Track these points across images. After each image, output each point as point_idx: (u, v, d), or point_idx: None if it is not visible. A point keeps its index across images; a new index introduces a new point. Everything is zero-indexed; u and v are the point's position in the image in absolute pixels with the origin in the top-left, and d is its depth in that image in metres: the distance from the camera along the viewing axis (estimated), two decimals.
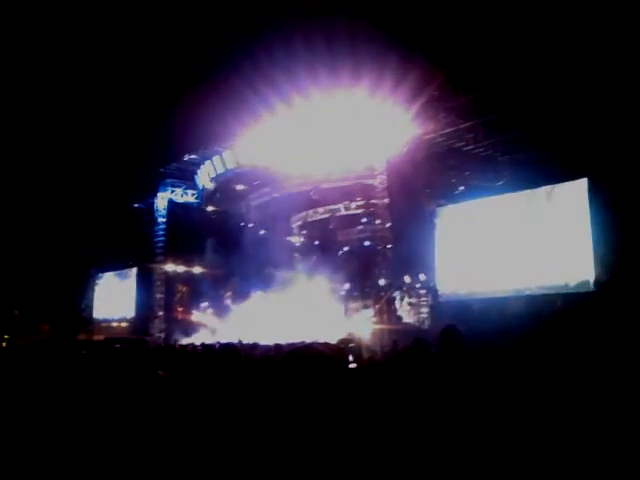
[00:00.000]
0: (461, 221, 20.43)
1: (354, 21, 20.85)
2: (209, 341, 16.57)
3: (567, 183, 17.59)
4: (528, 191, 18.60)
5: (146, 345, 4.88)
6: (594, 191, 16.71)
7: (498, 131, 20.31)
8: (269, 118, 22.43)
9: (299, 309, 23.42)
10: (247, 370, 5.87)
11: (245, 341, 14.10)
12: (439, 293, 20.43)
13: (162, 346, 18.09)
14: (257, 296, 26.86)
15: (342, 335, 20.04)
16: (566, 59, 16.72)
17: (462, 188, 22.16)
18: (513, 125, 19.30)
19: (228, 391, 4.38)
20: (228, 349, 5.41)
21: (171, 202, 29.21)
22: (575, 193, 17.28)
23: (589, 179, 16.93)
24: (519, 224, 18.45)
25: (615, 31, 16.01)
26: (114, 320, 32.02)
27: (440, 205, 21.38)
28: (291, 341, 15.05)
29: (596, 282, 16.27)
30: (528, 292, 17.75)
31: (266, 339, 15.15)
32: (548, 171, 17.65)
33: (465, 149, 21.67)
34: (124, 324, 30.97)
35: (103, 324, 32.43)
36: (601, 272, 16.20)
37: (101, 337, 27.13)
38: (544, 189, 18.16)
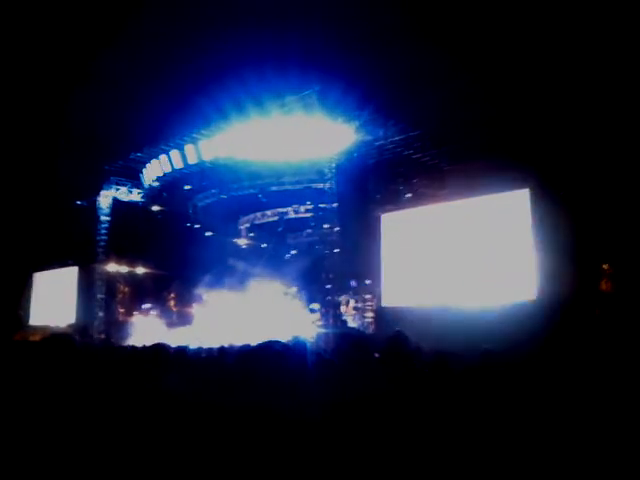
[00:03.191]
0: (406, 228, 20.68)
1: (304, 25, 20.93)
2: (150, 343, 16.19)
3: (509, 193, 17.97)
4: (472, 200, 18.93)
5: (72, 343, 4.71)
6: (536, 202, 17.13)
7: (445, 141, 20.74)
8: (218, 119, 22.25)
9: (245, 312, 23.21)
10: (180, 372, 5.73)
11: (192, 344, 13.85)
12: (384, 298, 20.59)
13: (94, 346, 17.60)
14: (205, 298, 26.50)
15: (287, 338, 20.01)
16: (511, 74, 17.20)
17: (409, 195, 22.46)
18: (459, 135, 19.73)
19: (155, 393, 4.26)
20: (156, 350, 5.26)
21: (115, 200, 28.47)
22: (518, 203, 17.68)
23: (531, 189, 17.34)
24: (463, 233, 18.78)
25: (562, 55, 16.57)
26: (53, 321, 30.96)
27: (387, 211, 21.59)
28: (236, 344, 14.90)
29: (538, 293, 16.64)
30: (472, 301, 18.02)
31: (214, 342, 14.93)
32: (492, 181, 18.04)
33: (413, 157, 22.01)
34: (63, 325, 29.98)
35: (41, 325, 31.32)
36: (543, 283, 16.59)
37: (37, 337, 26.17)
38: (487, 198, 18.52)
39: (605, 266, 16.76)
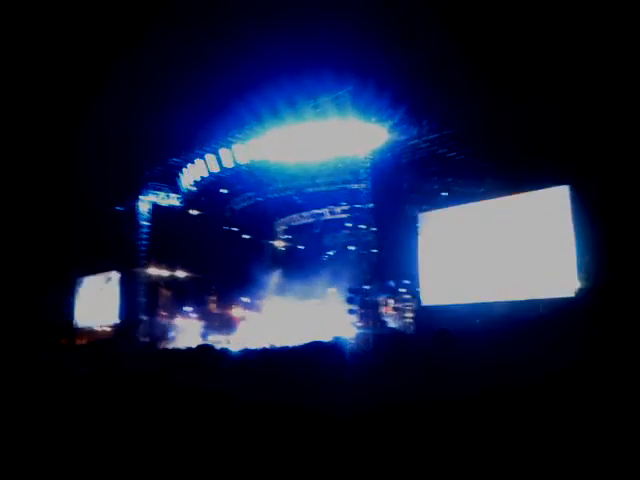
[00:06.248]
0: (444, 227, 20.57)
1: (338, 28, 20.98)
2: (194, 344, 16.47)
3: (549, 190, 17.75)
4: (510, 197, 18.75)
5: (115, 347, 4.95)
6: (576, 198, 16.89)
7: (480, 138, 20.48)
8: (252, 122, 22.45)
9: (286, 314, 23.39)
10: (225, 372, 5.90)
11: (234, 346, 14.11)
12: (422, 298, 20.50)
13: (139, 348, 18.04)
14: (246, 301, 26.83)
15: (328, 339, 20.07)
16: (546, 70, 16.95)
17: (445, 194, 22.30)
18: (494, 133, 19.48)
19: (203, 392, 4.41)
20: (202, 351, 5.43)
21: (154, 205, 28.98)
22: (558, 200, 17.44)
23: (571, 186, 17.10)
24: (501, 230, 18.62)
25: (595, 48, 16.25)
26: (98, 324, 31.67)
27: (423, 210, 21.50)
28: (278, 345, 15.10)
29: (579, 288, 16.41)
30: (511, 298, 17.84)
31: (257, 344, 15.19)
32: (530, 178, 17.83)
33: (448, 155, 21.81)
34: (108, 328, 30.64)
35: (87, 328, 32.07)
36: (584, 278, 16.35)
37: (84, 341, 26.83)
38: (526, 195, 18.32)
39: None
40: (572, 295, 16.43)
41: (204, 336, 24.96)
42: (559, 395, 4.00)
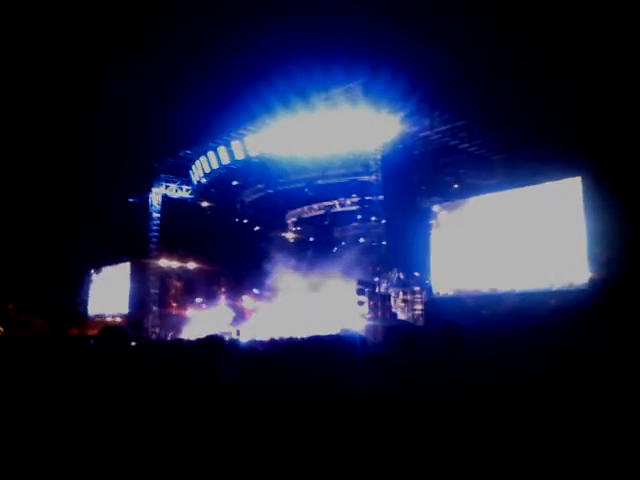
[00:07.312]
0: (455, 219, 20.48)
1: (349, 17, 20.89)
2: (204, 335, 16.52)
3: (561, 181, 17.64)
4: (522, 189, 18.64)
5: (125, 334, 4.91)
6: (588, 189, 16.77)
7: (492, 129, 20.34)
8: (263, 114, 22.45)
9: (296, 305, 23.45)
10: (234, 363, 5.88)
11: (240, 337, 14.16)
12: (433, 290, 20.47)
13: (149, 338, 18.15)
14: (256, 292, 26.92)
15: (336, 331, 20.10)
16: (560, 60, 16.78)
17: (456, 186, 22.18)
18: (507, 124, 19.34)
19: (212, 383, 4.39)
20: (212, 342, 5.40)
21: (166, 197, 29.18)
22: (569, 192, 17.33)
23: (582, 177, 16.99)
24: (513, 222, 18.52)
25: (605, 36, 16.03)
26: (109, 315, 32.01)
27: (434, 203, 21.42)
28: (287, 336, 15.14)
29: (590, 280, 16.34)
30: (522, 290, 17.80)
31: (264, 335, 15.24)
32: (542, 169, 17.70)
33: (460, 147, 21.69)
34: (119, 319, 30.95)
35: (97, 319, 32.41)
36: (595, 271, 16.27)
37: (95, 332, 27.04)
38: (538, 187, 18.22)
39: None
40: (584, 287, 16.35)
41: (214, 327, 25.10)
42: (566, 387, 3.94)
